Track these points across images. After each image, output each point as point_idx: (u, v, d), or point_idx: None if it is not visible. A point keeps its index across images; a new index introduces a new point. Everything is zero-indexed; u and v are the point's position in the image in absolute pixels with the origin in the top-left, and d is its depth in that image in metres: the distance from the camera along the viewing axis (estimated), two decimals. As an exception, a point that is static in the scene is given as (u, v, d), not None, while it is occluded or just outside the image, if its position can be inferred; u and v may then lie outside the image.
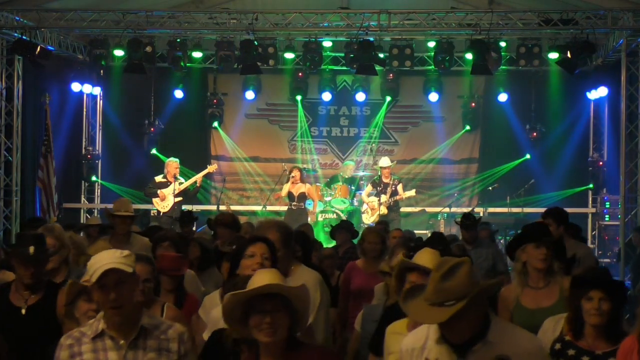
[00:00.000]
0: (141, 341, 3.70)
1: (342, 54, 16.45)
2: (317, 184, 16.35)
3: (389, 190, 14.95)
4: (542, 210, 15.44)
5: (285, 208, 15.61)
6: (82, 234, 9.07)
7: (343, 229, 9.66)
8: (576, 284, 4.25)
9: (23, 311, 5.10)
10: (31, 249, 5.12)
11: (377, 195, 15.06)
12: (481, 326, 3.39)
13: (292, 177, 14.90)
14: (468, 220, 8.92)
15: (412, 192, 15.28)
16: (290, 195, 14.85)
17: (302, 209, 14.77)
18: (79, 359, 3.69)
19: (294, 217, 14.27)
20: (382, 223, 9.99)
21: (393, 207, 15.03)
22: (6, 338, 4.79)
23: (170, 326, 3.82)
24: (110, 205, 15.81)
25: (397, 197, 15.00)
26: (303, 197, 14.86)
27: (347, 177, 16.13)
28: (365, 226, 13.90)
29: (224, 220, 7.81)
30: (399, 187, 15.06)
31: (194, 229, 11.20)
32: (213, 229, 8.15)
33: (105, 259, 3.68)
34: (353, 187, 16.13)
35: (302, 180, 14.98)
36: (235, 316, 3.51)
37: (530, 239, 5.14)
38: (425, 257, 4.36)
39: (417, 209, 16.55)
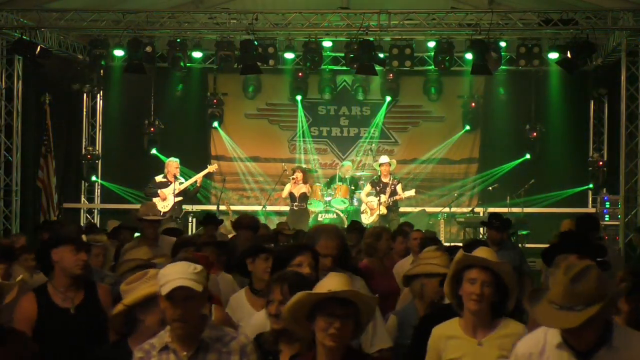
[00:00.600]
0: (201, 355, 3.69)
1: (342, 54, 16.45)
2: (317, 184, 16.34)
3: (388, 190, 14.93)
4: (542, 210, 15.77)
5: (286, 208, 15.63)
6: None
7: (355, 229, 9.60)
8: (636, 290, 4.24)
9: (72, 311, 4.94)
10: (83, 237, 5.05)
11: (377, 195, 15.05)
12: (605, 331, 3.33)
13: (294, 178, 14.92)
14: (498, 221, 8.59)
15: (412, 192, 15.27)
16: (291, 195, 14.85)
17: (304, 209, 14.78)
18: None
19: (296, 218, 14.30)
20: (408, 225, 9.83)
21: (392, 207, 15.02)
22: (54, 340, 4.73)
23: (233, 338, 3.79)
24: (114, 205, 15.73)
25: (397, 197, 14.99)
26: (304, 197, 14.86)
27: (345, 177, 16.13)
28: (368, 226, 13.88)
29: (245, 222, 7.77)
30: (398, 187, 15.05)
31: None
32: (235, 230, 8.12)
33: (178, 272, 3.67)
34: (353, 187, 16.12)
35: (305, 181, 14.99)
36: (299, 315, 3.53)
37: (573, 250, 5.10)
38: (484, 253, 4.20)
39: (417, 209, 16.53)
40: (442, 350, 4.17)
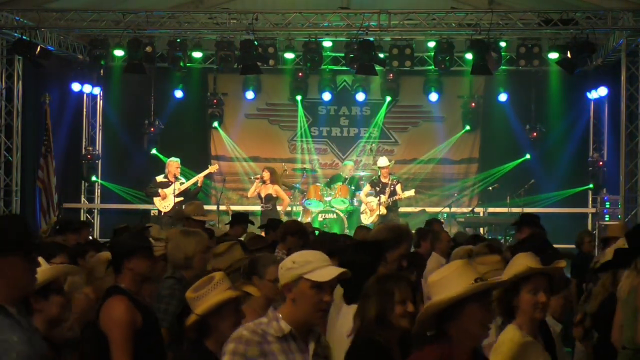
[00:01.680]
0: (319, 347, 3.67)
1: (342, 54, 16.45)
2: (317, 183, 16.34)
3: (387, 190, 14.92)
4: (542, 210, 15.76)
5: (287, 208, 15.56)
6: None
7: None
8: None
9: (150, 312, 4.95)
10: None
11: (376, 195, 15.05)
12: None
13: (257, 177, 14.80)
14: (537, 219, 8.10)
15: (412, 192, 15.26)
16: (258, 196, 14.79)
17: (270, 210, 14.56)
18: (272, 358, 3.57)
19: (263, 219, 14.18)
20: (437, 222, 9.54)
21: (392, 207, 15.00)
22: (155, 342, 4.75)
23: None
24: (114, 205, 15.56)
25: (396, 197, 14.97)
26: (270, 198, 14.74)
27: (346, 177, 16.12)
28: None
29: (295, 229, 7.65)
30: (398, 187, 15.04)
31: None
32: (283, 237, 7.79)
33: (325, 260, 3.62)
34: (353, 187, 16.13)
35: (273, 181, 14.89)
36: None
37: None
38: (535, 260, 4.17)
39: (417, 209, 16.54)
40: (527, 356, 4.10)
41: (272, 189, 14.70)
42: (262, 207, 14.66)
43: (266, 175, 14.72)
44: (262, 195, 14.66)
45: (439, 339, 3.38)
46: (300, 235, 7.47)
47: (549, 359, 4.16)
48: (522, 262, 4.19)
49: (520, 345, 4.08)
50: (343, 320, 4.46)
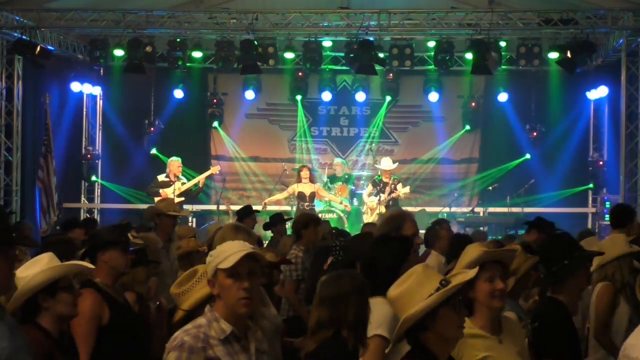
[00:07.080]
0: (258, 343, 3.51)
1: (342, 54, 16.44)
2: (317, 183, 16.33)
3: (387, 189, 14.93)
4: (542, 210, 15.77)
5: (287, 208, 15.52)
6: None
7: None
8: None
9: (127, 306, 5.01)
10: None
11: (377, 194, 15.05)
12: None
13: (302, 176, 14.77)
14: (543, 222, 8.07)
15: (407, 189, 15.23)
16: (300, 195, 14.73)
17: (313, 208, 14.60)
18: None
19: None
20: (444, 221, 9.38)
21: (392, 205, 15.00)
22: (127, 336, 4.80)
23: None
24: (114, 205, 15.50)
25: (394, 195, 14.96)
26: (313, 197, 14.75)
27: (339, 175, 16.07)
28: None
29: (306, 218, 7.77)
30: (399, 187, 15.04)
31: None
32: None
33: (245, 246, 3.44)
34: (353, 187, 16.11)
35: (312, 180, 14.91)
36: None
37: None
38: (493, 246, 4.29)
39: (417, 208, 16.51)
40: (463, 348, 3.89)
41: (315, 187, 14.73)
42: (306, 206, 14.54)
43: (308, 174, 14.75)
44: (307, 193, 14.62)
45: (415, 351, 3.23)
46: (314, 224, 7.55)
47: (509, 351, 4.02)
48: (476, 249, 4.08)
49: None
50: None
